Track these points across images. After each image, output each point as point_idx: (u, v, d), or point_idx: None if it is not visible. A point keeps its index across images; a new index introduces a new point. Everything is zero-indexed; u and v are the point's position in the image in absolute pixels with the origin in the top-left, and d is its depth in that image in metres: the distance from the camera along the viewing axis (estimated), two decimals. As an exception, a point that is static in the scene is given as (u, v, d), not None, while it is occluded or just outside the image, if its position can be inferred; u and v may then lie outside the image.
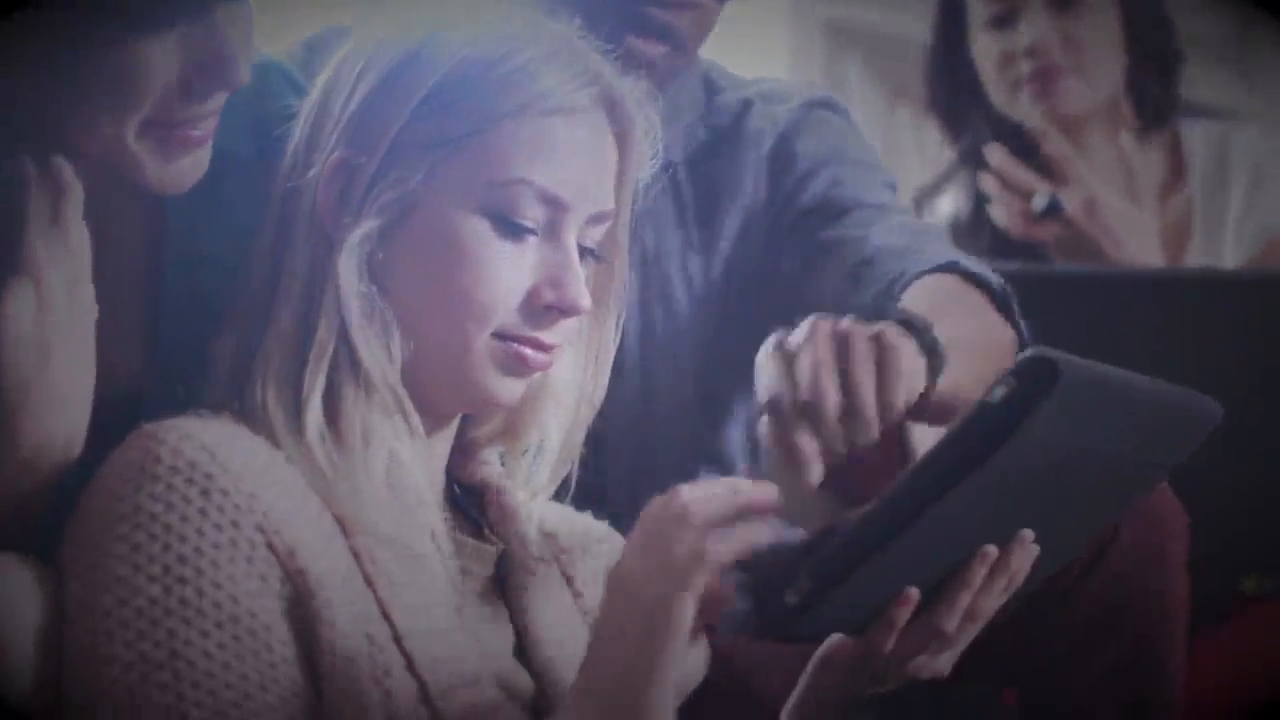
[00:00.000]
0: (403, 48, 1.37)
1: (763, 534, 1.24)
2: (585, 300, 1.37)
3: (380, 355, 1.34)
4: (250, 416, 1.33)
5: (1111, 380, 1.22)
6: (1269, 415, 1.92)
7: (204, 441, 1.28)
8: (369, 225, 1.34)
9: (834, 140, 1.95)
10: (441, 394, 1.37)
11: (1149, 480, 1.43)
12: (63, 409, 1.33)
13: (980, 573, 1.29)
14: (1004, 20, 2.36)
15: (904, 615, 1.28)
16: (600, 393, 1.46)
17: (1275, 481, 1.83)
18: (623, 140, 1.41)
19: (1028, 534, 1.29)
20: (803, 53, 3.03)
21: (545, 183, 1.35)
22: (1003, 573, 1.30)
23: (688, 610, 1.22)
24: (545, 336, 1.37)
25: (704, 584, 1.22)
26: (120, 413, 1.35)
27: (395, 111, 1.35)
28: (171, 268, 1.44)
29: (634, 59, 1.73)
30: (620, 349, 1.49)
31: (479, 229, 1.35)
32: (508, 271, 1.35)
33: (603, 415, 1.49)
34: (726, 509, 1.23)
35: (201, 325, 1.40)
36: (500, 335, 1.36)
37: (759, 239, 1.94)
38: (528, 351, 1.36)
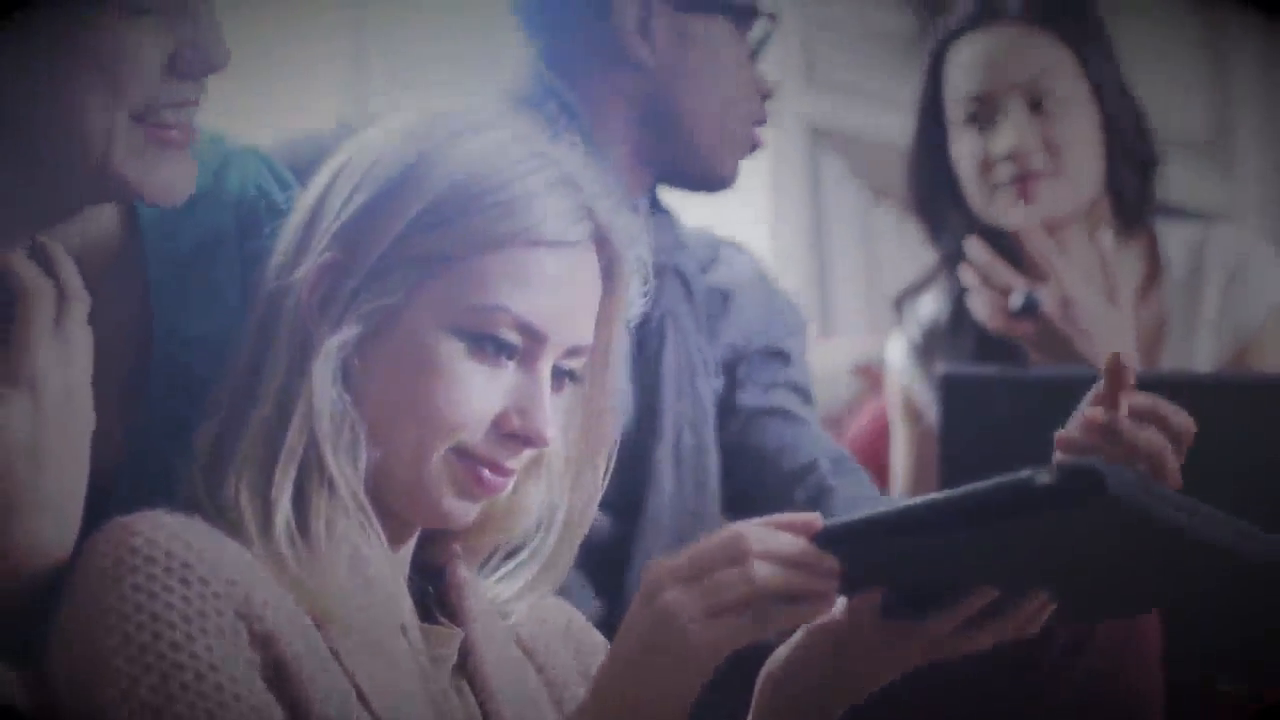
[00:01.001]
0: (403, 160, 1.38)
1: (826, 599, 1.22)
2: (550, 432, 1.38)
3: (346, 465, 1.35)
4: (221, 514, 1.34)
5: (1166, 522, 1.22)
6: (1247, 516, 1.93)
7: (177, 530, 1.29)
8: (348, 333, 1.36)
9: (795, 317, 2.16)
10: (400, 505, 1.39)
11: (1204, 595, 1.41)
12: (54, 516, 1.33)
13: (978, 605, 1.28)
14: (983, 123, 2.37)
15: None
16: (586, 521, 1.47)
17: (1253, 583, 1.84)
18: (609, 276, 1.42)
19: (1040, 598, 1.29)
20: (784, 152, 3.06)
21: (524, 312, 1.36)
22: (1007, 619, 1.29)
23: (725, 653, 1.21)
24: (507, 461, 1.38)
25: (747, 632, 1.20)
26: (97, 491, 1.36)
27: (388, 224, 1.36)
28: (158, 348, 1.44)
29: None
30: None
31: (454, 349, 1.36)
32: (479, 394, 1.36)
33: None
34: (787, 549, 1.22)
35: (185, 405, 1.41)
36: (462, 453, 1.37)
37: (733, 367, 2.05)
38: (485, 473, 1.37)
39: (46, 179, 1.34)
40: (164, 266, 1.45)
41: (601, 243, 1.41)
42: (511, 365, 1.37)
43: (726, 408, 2.08)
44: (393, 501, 1.38)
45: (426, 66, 2.84)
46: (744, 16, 2.03)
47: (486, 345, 1.36)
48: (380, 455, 1.36)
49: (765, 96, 2.06)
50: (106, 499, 1.38)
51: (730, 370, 2.09)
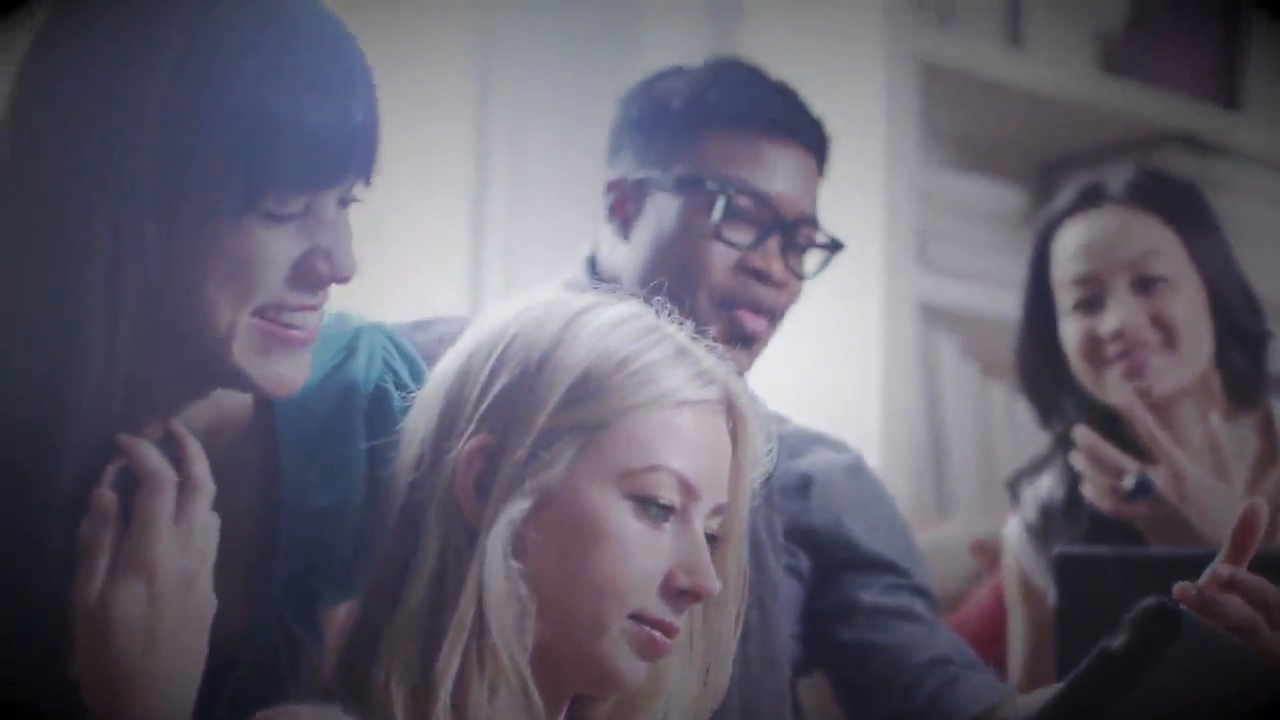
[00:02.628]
0: (543, 338, 1.42)
1: None
2: (717, 585, 1.41)
3: (512, 638, 1.37)
4: (363, 701, 1.35)
5: (1238, 646, 1.22)
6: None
7: None
8: (517, 507, 1.38)
9: (888, 511, 2.18)
10: (568, 673, 1.40)
11: None
12: (167, 698, 1.36)
13: None
14: (1090, 305, 2.38)
15: None
16: (723, 683, 1.49)
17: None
18: (737, 437, 1.46)
19: None
20: (897, 332, 3.07)
21: (682, 469, 1.41)
22: None
23: None
24: (676, 619, 1.41)
25: None
26: (220, 662, 1.39)
27: (541, 400, 1.40)
28: (285, 520, 1.48)
29: (746, 336, 1.99)
30: None
31: (621, 513, 1.39)
32: (647, 555, 1.39)
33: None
34: None
35: (311, 577, 1.45)
36: (636, 618, 1.39)
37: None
38: (657, 635, 1.40)
39: (175, 362, 1.39)
40: (295, 440, 1.49)
41: (728, 405, 1.45)
42: (669, 525, 1.41)
43: (851, 606, 2.09)
44: (562, 671, 1.40)
45: (537, 261, 2.89)
46: (687, 189, 2.01)
47: (649, 508, 1.40)
48: (551, 628, 1.39)
49: (759, 277, 2.02)
50: (230, 669, 1.42)
51: (817, 551, 2.10)
